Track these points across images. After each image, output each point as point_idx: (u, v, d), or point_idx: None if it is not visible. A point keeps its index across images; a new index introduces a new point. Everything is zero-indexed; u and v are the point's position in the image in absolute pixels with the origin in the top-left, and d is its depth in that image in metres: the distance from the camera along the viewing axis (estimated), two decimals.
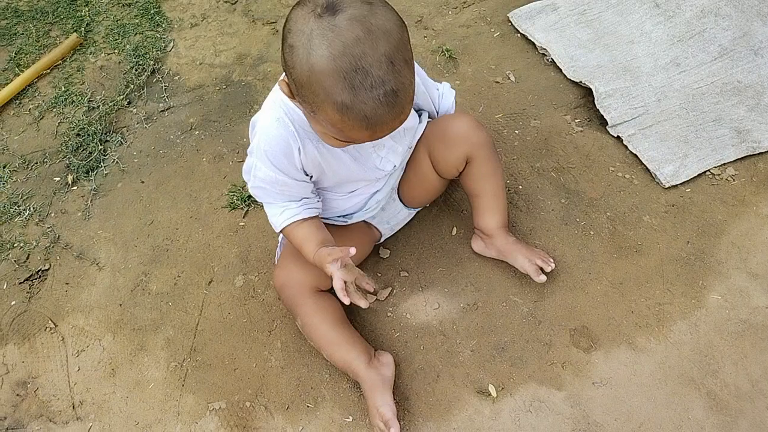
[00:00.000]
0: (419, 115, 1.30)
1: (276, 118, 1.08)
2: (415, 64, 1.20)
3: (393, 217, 1.44)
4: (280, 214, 1.19)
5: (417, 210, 1.50)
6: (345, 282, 1.08)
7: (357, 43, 0.84)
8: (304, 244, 1.19)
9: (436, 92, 1.31)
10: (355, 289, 1.11)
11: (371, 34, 0.85)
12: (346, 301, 1.07)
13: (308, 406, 1.28)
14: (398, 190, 1.40)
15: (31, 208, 1.67)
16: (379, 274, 1.45)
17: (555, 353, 1.30)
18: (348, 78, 0.85)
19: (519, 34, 1.89)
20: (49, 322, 1.47)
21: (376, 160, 1.22)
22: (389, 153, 1.24)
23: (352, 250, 1.03)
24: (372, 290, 1.13)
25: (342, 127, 0.91)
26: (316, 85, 0.87)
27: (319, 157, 1.14)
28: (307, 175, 1.17)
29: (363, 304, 1.09)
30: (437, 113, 1.34)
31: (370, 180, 1.27)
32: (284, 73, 0.96)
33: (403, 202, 1.43)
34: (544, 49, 1.81)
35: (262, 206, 1.56)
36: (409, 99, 0.92)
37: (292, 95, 0.96)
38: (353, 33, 0.84)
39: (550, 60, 1.80)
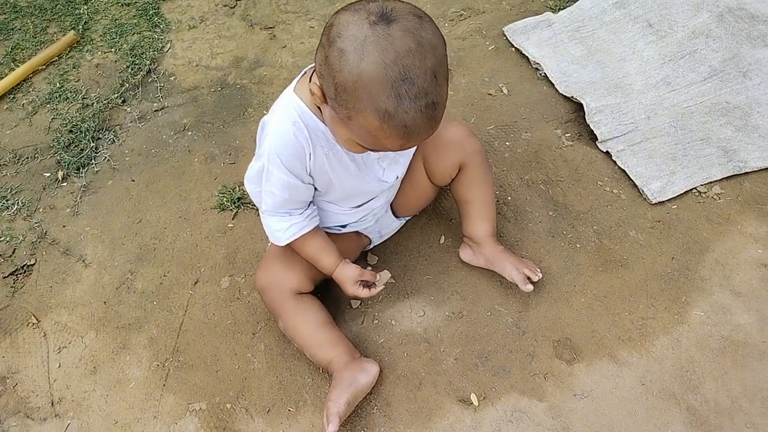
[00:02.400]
0: None
1: (291, 120, 1.08)
2: None
3: (385, 228, 1.45)
4: (286, 229, 1.20)
5: (407, 219, 1.51)
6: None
7: (408, 53, 0.86)
8: (320, 257, 1.24)
9: None
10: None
11: (421, 47, 0.87)
12: (365, 295, 1.23)
13: (289, 410, 1.28)
14: (392, 202, 1.41)
15: (20, 203, 1.67)
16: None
17: (538, 364, 1.30)
18: (395, 86, 0.86)
19: (513, 48, 1.91)
20: (32, 317, 1.46)
21: (379, 171, 1.23)
22: (392, 164, 1.25)
23: (385, 275, 1.26)
24: (375, 280, 1.24)
25: (378, 134, 0.92)
26: (361, 90, 0.88)
27: (327, 164, 1.14)
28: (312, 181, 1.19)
29: (365, 294, 1.23)
30: None
31: (374, 192, 1.28)
32: (315, 77, 0.97)
33: (394, 213, 1.44)
34: (538, 63, 1.83)
35: (253, 208, 1.58)
36: (443, 114, 0.94)
37: (324, 99, 0.97)
38: (406, 44, 0.86)
39: (543, 74, 1.82)
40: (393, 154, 1.23)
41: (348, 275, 1.23)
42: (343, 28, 0.89)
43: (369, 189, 1.25)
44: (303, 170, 1.13)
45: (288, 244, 1.22)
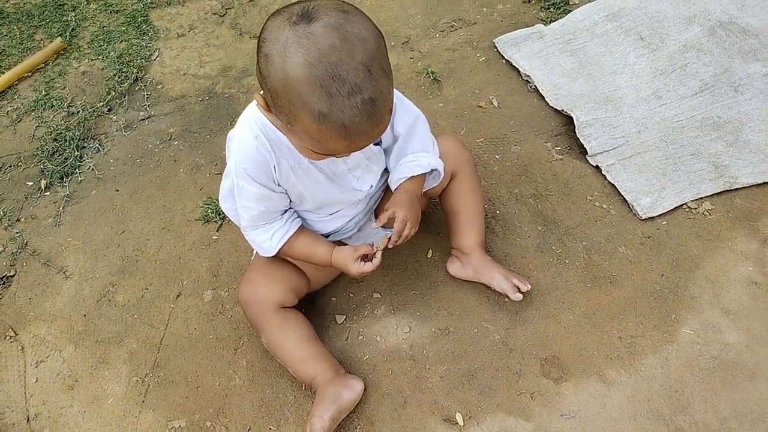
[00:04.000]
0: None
1: (253, 135, 1.07)
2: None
3: (369, 238, 1.42)
4: (270, 239, 1.18)
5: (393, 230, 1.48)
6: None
7: (333, 50, 0.83)
8: (313, 251, 1.22)
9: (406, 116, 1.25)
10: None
11: (347, 42, 0.84)
12: (369, 269, 1.19)
13: (270, 429, 1.25)
14: (376, 210, 1.39)
15: (1, 212, 1.64)
16: (352, 294, 1.43)
17: (525, 383, 1.27)
18: (324, 86, 0.83)
19: (504, 60, 1.89)
20: (10, 330, 1.43)
21: (352, 181, 1.21)
22: (365, 173, 1.22)
23: (380, 241, 1.20)
24: (372, 251, 1.20)
25: (320, 137, 0.89)
26: (292, 94, 0.86)
27: (293, 177, 1.12)
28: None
29: (369, 267, 1.19)
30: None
31: (350, 202, 1.26)
32: (261, 87, 0.95)
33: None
34: (528, 76, 1.82)
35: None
36: (388, 108, 0.91)
37: (268, 108, 0.95)
38: (329, 40, 0.83)
39: (533, 87, 1.81)
40: (365, 163, 1.21)
41: (345, 256, 1.20)
42: (267, 33, 0.88)
43: (343, 199, 1.23)
44: (269, 180, 1.12)
45: (278, 252, 1.20)
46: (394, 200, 1.21)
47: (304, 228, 1.24)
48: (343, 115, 0.85)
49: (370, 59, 0.86)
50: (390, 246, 1.23)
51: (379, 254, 1.21)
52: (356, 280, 1.45)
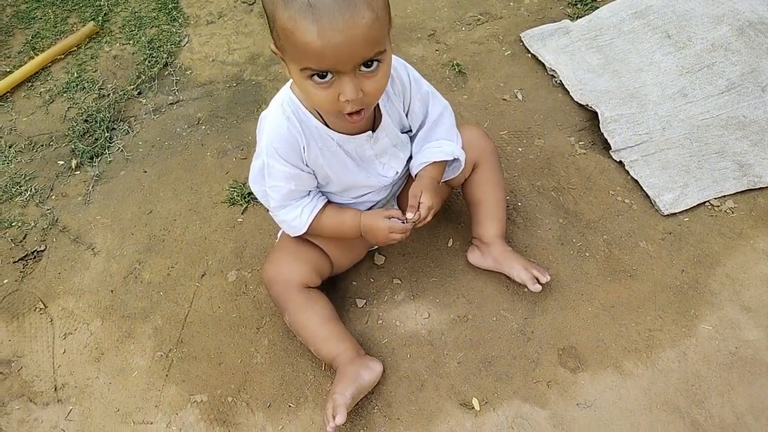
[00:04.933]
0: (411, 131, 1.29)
1: (285, 116, 1.11)
2: (418, 75, 1.21)
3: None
4: (300, 215, 1.21)
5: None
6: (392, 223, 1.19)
7: None
8: (341, 221, 1.23)
9: (428, 95, 1.25)
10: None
11: None
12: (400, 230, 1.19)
13: (290, 406, 1.28)
14: (398, 198, 1.41)
15: (33, 189, 1.69)
16: (372, 280, 1.45)
17: (541, 371, 1.29)
18: None
19: (530, 54, 1.90)
20: (40, 302, 1.47)
21: (378, 167, 1.23)
22: (391, 159, 1.25)
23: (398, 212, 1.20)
24: (400, 216, 1.20)
25: (293, 29, 0.87)
26: (270, 6, 0.90)
27: (321, 159, 1.15)
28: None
29: (400, 227, 1.19)
30: (425, 118, 1.26)
31: (376, 187, 1.28)
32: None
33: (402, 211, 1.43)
34: (554, 70, 1.83)
35: (262, 204, 1.58)
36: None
37: (279, 52, 0.97)
38: None
39: (558, 81, 1.81)
40: (392, 150, 1.22)
41: (375, 215, 1.21)
42: None
43: (368, 183, 1.25)
44: (300, 161, 1.15)
45: (308, 229, 1.23)
46: (420, 185, 1.22)
47: (330, 202, 1.26)
48: None
49: None
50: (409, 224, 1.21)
51: (412, 219, 1.19)
52: (378, 265, 1.47)
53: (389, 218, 1.19)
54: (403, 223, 1.20)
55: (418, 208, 1.19)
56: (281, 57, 0.98)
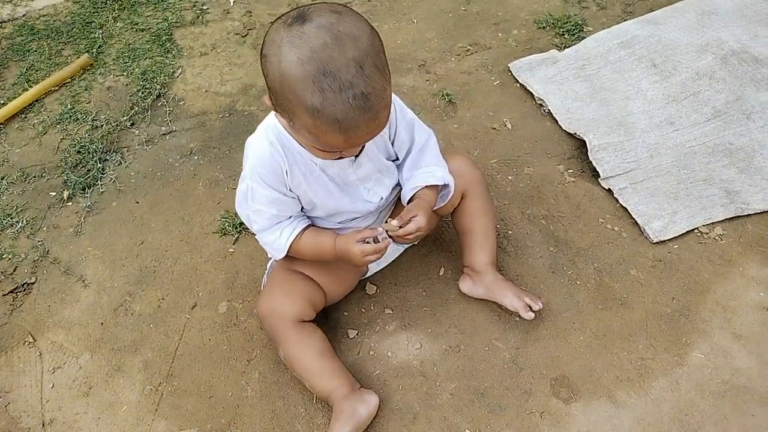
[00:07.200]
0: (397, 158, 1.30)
1: (268, 141, 1.13)
2: (402, 103, 1.23)
3: (389, 254, 1.45)
4: (279, 238, 1.21)
5: (406, 247, 1.51)
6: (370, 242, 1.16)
7: (324, 48, 0.88)
8: (319, 245, 1.23)
9: (413, 121, 1.26)
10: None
11: (338, 40, 0.89)
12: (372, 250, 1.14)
13: None
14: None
15: (24, 221, 1.68)
16: (364, 310, 1.45)
17: (534, 402, 1.28)
18: (317, 82, 0.88)
19: (518, 84, 1.93)
20: (29, 336, 1.46)
21: (363, 192, 1.24)
22: (375, 185, 1.25)
23: (391, 225, 1.15)
24: (375, 234, 1.16)
25: (317, 132, 0.94)
26: (288, 91, 0.91)
27: (305, 183, 1.16)
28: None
29: (371, 249, 1.15)
30: (411, 146, 1.27)
31: (362, 212, 1.28)
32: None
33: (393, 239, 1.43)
34: (542, 99, 1.85)
35: (253, 235, 1.58)
36: (384, 104, 0.94)
37: (275, 107, 1.00)
38: (320, 39, 0.89)
39: (546, 110, 1.84)
40: (377, 175, 1.24)
41: (347, 239, 1.17)
42: (267, 36, 0.94)
43: (353, 209, 1.26)
44: (282, 186, 1.16)
45: (290, 258, 1.24)
46: (419, 206, 1.20)
47: (310, 226, 1.26)
48: (336, 110, 0.90)
49: (362, 56, 0.90)
50: (391, 234, 1.17)
51: (384, 235, 1.15)
52: (369, 295, 1.47)
53: (363, 240, 1.17)
54: (376, 241, 1.16)
55: (409, 221, 1.17)
56: (278, 114, 1.02)
